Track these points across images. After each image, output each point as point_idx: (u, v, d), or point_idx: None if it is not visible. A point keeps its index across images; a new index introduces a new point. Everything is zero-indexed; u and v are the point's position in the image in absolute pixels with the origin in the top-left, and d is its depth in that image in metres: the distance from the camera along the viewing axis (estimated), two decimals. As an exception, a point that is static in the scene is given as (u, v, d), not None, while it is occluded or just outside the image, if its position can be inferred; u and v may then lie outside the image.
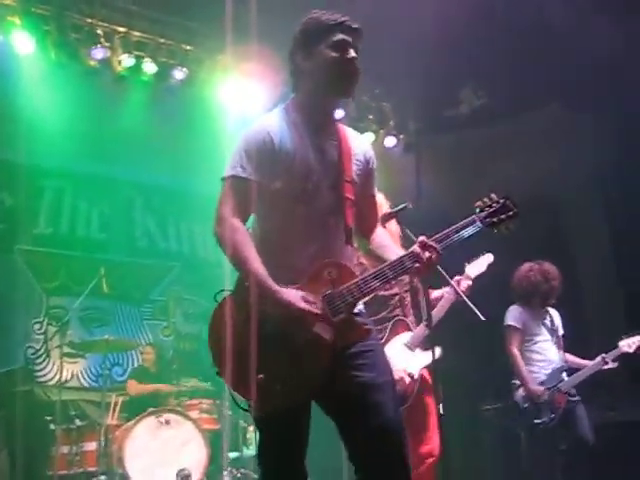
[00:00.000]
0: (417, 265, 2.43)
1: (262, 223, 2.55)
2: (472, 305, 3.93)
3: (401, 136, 8.38)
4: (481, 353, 5.94)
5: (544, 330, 5.38)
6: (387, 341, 4.14)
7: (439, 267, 3.87)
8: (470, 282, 4.30)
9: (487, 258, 4.45)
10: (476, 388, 6.81)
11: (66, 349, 6.31)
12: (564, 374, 5.28)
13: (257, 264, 2.39)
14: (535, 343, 5.34)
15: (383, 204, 3.97)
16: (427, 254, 2.42)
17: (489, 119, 7.64)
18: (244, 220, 2.50)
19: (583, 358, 5.43)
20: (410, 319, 4.32)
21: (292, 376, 2.33)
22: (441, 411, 3.82)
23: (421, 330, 4.21)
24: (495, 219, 2.53)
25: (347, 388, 2.40)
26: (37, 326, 7.33)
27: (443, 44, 6.46)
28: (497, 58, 6.69)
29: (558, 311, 5.55)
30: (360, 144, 2.69)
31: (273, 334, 2.33)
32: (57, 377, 6.38)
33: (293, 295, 2.36)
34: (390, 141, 8.31)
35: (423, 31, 6.34)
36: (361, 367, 2.41)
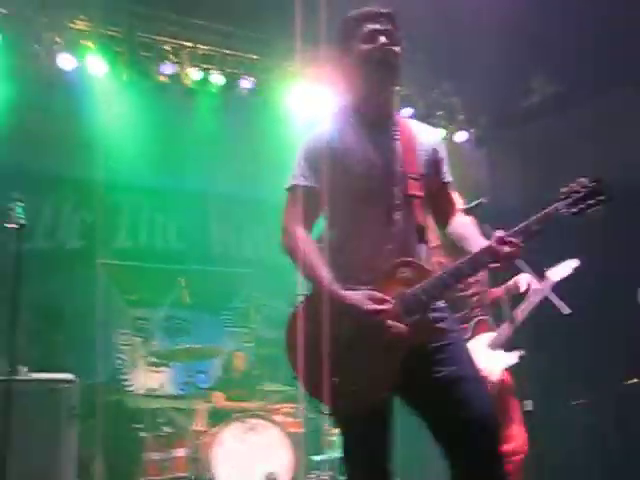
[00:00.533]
0: (495, 261, 2.36)
1: (331, 229, 2.56)
2: (557, 299, 3.86)
3: (472, 130, 8.29)
4: (565, 349, 5.82)
5: None
6: (469, 341, 4.11)
7: (524, 264, 3.86)
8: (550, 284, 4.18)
9: (572, 262, 4.30)
10: (564, 384, 6.67)
11: (151, 359, 6.47)
12: None
13: (322, 271, 2.42)
14: None
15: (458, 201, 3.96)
16: (506, 249, 2.33)
17: (562, 107, 7.47)
18: (309, 228, 2.53)
19: None
20: (490, 319, 4.28)
21: (367, 377, 2.33)
22: (530, 407, 3.80)
23: (504, 331, 4.16)
24: (582, 205, 2.35)
25: (428, 384, 2.39)
26: (124, 337, 7.55)
27: (510, 33, 6.37)
28: (566, 43, 6.54)
29: None
30: (426, 135, 2.66)
31: (346, 337, 2.34)
32: (145, 386, 6.56)
33: (359, 297, 2.36)
34: (461, 136, 8.23)
35: (489, 21, 6.27)
36: (441, 362, 2.39)
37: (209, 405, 6.34)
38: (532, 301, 4.13)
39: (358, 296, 2.36)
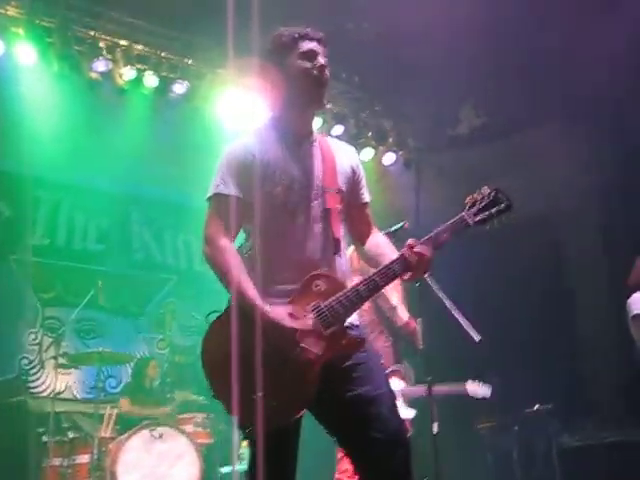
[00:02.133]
0: (407, 269, 2.42)
1: (250, 239, 2.57)
2: (468, 326, 3.97)
3: (400, 153, 8.42)
4: (471, 372, 5.97)
5: None
6: None
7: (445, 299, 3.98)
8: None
9: (486, 393, 4.84)
10: (469, 407, 6.83)
11: (60, 360, 6.30)
12: None
13: (245, 283, 2.40)
14: None
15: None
16: (416, 258, 2.40)
17: (488, 138, 7.69)
18: (233, 237, 2.52)
19: None
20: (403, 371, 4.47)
21: (285, 393, 2.32)
22: (435, 430, 3.91)
23: (415, 390, 4.35)
24: (486, 214, 2.51)
25: (342, 402, 2.40)
26: (32, 337, 7.31)
27: (443, 62, 6.52)
28: (496, 77, 6.74)
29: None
30: (344, 153, 2.71)
31: (264, 352, 2.31)
32: (51, 388, 6.37)
33: (280, 313, 2.37)
34: (389, 158, 8.35)
35: (423, 49, 6.41)
36: (354, 380, 2.41)
37: (117, 411, 6.19)
38: (450, 391, 4.56)
39: (279, 311, 2.38)
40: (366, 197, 2.73)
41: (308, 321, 2.37)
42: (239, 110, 7.05)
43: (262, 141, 2.59)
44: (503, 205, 2.52)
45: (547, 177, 7.12)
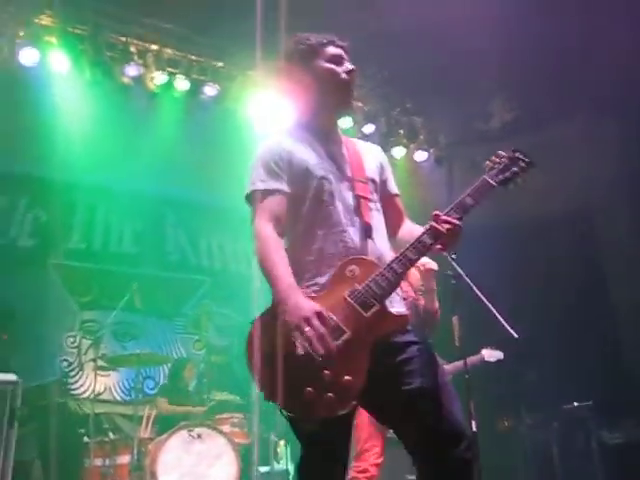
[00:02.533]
0: (437, 240, 2.41)
1: (289, 232, 2.58)
2: (506, 325, 3.95)
3: (431, 150, 8.38)
4: (507, 370, 5.96)
5: None
6: None
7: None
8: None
9: (499, 355, 5.13)
10: (507, 404, 6.78)
11: (99, 362, 6.38)
12: None
13: (283, 269, 2.39)
14: None
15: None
16: (446, 226, 2.40)
17: (520, 131, 7.60)
18: (278, 228, 2.50)
19: None
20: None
21: (337, 382, 2.28)
22: (473, 428, 3.88)
23: (450, 368, 4.32)
24: (508, 174, 2.54)
25: (400, 396, 2.37)
26: (71, 340, 7.42)
27: (473, 57, 6.47)
28: (527, 70, 6.67)
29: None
30: (370, 151, 2.79)
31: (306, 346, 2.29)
32: (90, 390, 6.45)
33: (307, 310, 2.29)
34: (421, 155, 8.32)
35: (452, 44, 6.37)
36: (410, 374, 2.37)
37: (156, 412, 6.25)
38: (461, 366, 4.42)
39: (308, 308, 2.30)
40: (394, 189, 2.79)
41: (347, 307, 2.36)
42: (269, 112, 7.08)
43: (294, 139, 2.65)
44: (523, 163, 2.56)
45: (578, 170, 7.03)
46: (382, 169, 2.75)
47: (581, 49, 6.28)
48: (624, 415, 6.29)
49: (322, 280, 2.46)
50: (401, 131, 8.19)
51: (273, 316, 2.38)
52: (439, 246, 2.43)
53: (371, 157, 2.74)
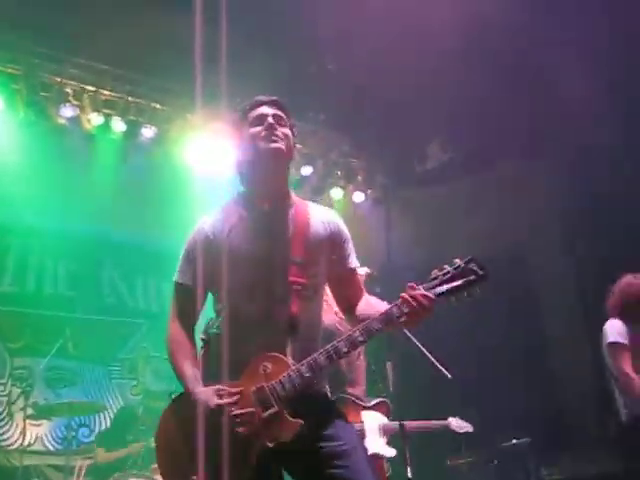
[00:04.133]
0: (406, 315, 2.32)
1: (215, 318, 2.60)
2: (438, 364, 3.99)
3: (369, 191, 8.46)
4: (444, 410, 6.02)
5: None
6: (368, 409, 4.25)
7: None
8: None
9: (469, 428, 4.86)
10: (444, 443, 6.79)
11: (30, 411, 6.13)
12: None
13: (183, 368, 2.48)
14: None
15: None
16: (416, 302, 2.30)
17: (457, 173, 7.76)
18: (189, 323, 2.58)
19: None
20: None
21: (227, 474, 2.27)
22: (409, 475, 3.90)
23: (395, 427, 4.31)
24: (450, 287, 2.32)
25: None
26: (0, 388, 7.13)
27: (410, 99, 6.60)
28: (463, 112, 6.83)
29: None
30: (323, 220, 2.62)
31: (206, 435, 2.28)
32: (20, 441, 6.18)
33: (207, 392, 2.38)
34: (358, 196, 8.39)
35: (390, 86, 6.48)
36: (335, 458, 2.36)
37: (88, 462, 6.02)
38: (427, 426, 4.54)
39: (207, 391, 2.39)
40: (353, 263, 2.63)
41: (247, 402, 2.36)
42: (209, 155, 7.05)
43: (225, 218, 2.57)
44: (474, 276, 2.32)
45: (517, 211, 7.19)
46: (334, 243, 2.60)
47: (511, 94, 6.46)
48: (560, 451, 6.36)
49: (238, 372, 2.43)
50: (339, 172, 8.25)
51: (176, 405, 2.50)
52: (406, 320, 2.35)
53: (322, 229, 2.58)
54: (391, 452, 4.32)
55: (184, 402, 2.44)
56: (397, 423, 4.26)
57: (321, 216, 2.64)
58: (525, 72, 6.30)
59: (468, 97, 6.53)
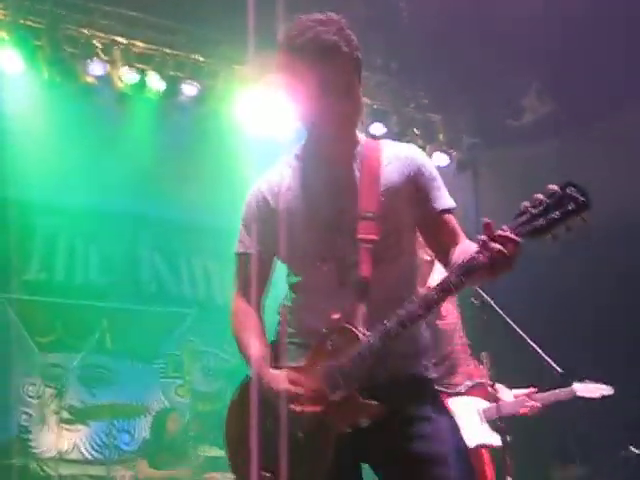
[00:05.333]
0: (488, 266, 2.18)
1: (289, 281, 2.65)
2: (548, 358, 3.96)
3: (453, 152, 8.38)
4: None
5: None
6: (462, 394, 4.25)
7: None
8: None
9: (606, 389, 4.66)
10: (547, 456, 6.75)
11: (65, 415, 6.35)
12: None
13: (249, 348, 2.56)
14: None
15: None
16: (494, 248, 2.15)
17: (558, 129, 7.61)
18: (254, 296, 2.63)
19: None
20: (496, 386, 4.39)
21: (301, 464, 2.37)
22: None
23: (504, 407, 4.29)
24: (543, 222, 2.14)
25: (400, 463, 2.39)
26: (31, 388, 7.38)
27: (498, 41, 6.49)
28: (564, 57, 6.69)
29: None
30: (398, 158, 2.59)
31: (276, 424, 2.37)
32: (55, 448, 6.40)
33: (276, 378, 2.44)
34: (440, 159, 8.31)
35: (476, 31, 6.39)
36: (417, 437, 2.39)
37: (132, 473, 6.21)
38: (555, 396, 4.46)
39: (276, 376, 2.45)
40: (441, 204, 2.56)
41: (315, 384, 2.40)
42: (263, 113, 7.06)
43: (282, 176, 2.62)
44: (574, 204, 2.15)
45: (632, 173, 7.02)
46: (416, 184, 2.54)
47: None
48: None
49: (305, 345, 2.51)
50: (416, 130, 8.20)
51: (244, 390, 2.56)
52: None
53: (398, 170, 2.55)
54: (496, 440, 4.27)
55: (253, 387, 2.49)
56: (506, 404, 4.25)
57: (396, 154, 2.61)
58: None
59: (571, 35, 6.39)
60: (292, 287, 2.62)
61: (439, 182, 2.60)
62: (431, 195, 2.56)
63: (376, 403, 2.36)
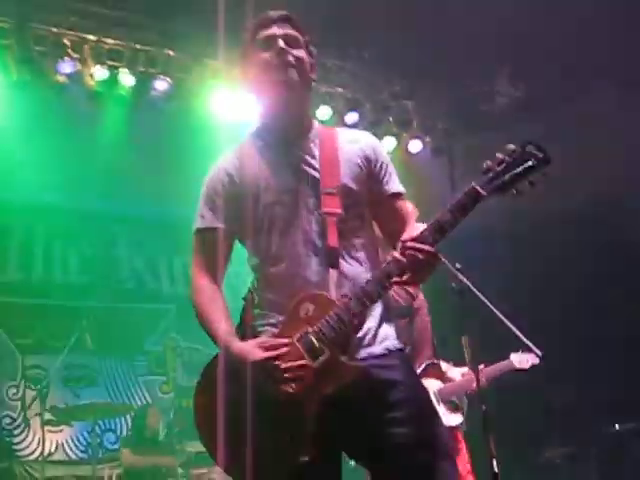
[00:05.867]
0: (404, 271, 2.33)
1: (251, 263, 2.65)
2: (527, 340, 3.97)
3: (427, 138, 8.40)
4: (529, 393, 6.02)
5: None
6: None
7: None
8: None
9: (533, 358, 4.70)
10: (534, 436, 6.80)
11: (48, 416, 6.32)
12: None
13: (218, 323, 2.52)
14: None
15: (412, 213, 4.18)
16: (412, 254, 2.31)
17: (531, 112, 7.64)
18: (217, 274, 2.63)
19: None
20: (447, 365, 4.40)
21: (282, 436, 2.34)
22: (495, 469, 3.89)
23: (459, 387, 4.29)
24: (507, 177, 2.31)
25: (383, 447, 2.38)
26: (13, 391, 7.35)
27: (469, 25, 6.50)
28: (535, 39, 6.71)
29: None
30: (354, 142, 2.69)
31: (252, 399, 2.35)
32: (39, 450, 6.39)
33: (247, 346, 2.42)
34: (415, 145, 8.33)
35: (447, 15, 6.39)
36: (398, 421, 2.38)
37: (118, 471, 6.20)
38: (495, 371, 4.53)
39: (247, 346, 2.42)
40: (392, 187, 2.67)
41: (284, 351, 2.38)
42: (236, 107, 7.02)
43: (243, 154, 2.66)
44: (534, 160, 2.32)
45: (603, 156, 7.07)
46: (370, 164, 2.65)
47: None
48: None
49: (277, 320, 2.50)
50: (390, 118, 8.20)
51: (214, 366, 2.52)
52: (407, 278, 2.35)
53: (354, 152, 2.65)
54: (456, 419, 4.35)
55: (222, 362, 2.46)
56: (458, 383, 4.28)
57: (351, 138, 2.71)
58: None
59: (541, 18, 6.42)
60: (255, 267, 2.62)
61: (391, 168, 2.70)
62: (383, 179, 2.67)
63: (359, 364, 2.39)
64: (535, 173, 2.32)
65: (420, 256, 2.30)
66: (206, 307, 2.59)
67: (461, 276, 4.02)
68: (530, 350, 4.51)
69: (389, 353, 2.50)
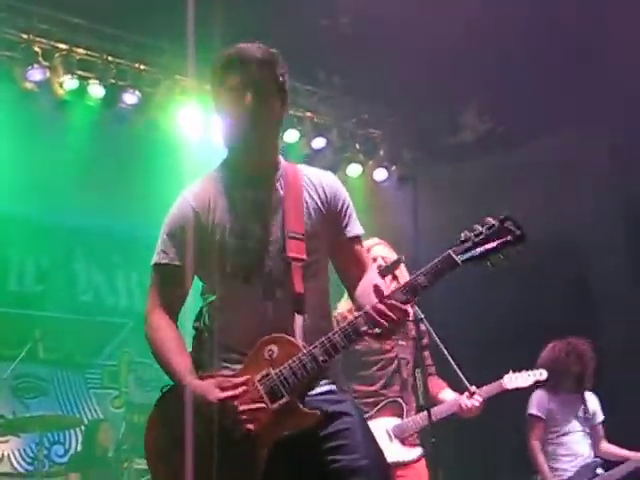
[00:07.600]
0: (375, 329, 2.35)
1: (207, 304, 2.63)
2: (463, 377, 4.01)
3: (393, 168, 8.44)
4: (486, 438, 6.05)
5: (573, 420, 5.51)
6: (370, 419, 4.15)
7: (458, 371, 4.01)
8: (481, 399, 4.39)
9: (539, 374, 4.68)
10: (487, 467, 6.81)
11: (-6, 427, 6.21)
12: (599, 469, 5.35)
13: (174, 361, 2.49)
14: (562, 435, 5.48)
15: (382, 252, 4.24)
16: (385, 314, 2.33)
17: (496, 147, 7.72)
18: (174, 311, 2.62)
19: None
20: (408, 405, 4.39)
21: (233, 476, 2.35)
22: None
23: (413, 423, 4.29)
24: (482, 250, 2.38)
25: (323, 476, 2.39)
26: (-41, 400, 7.21)
27: (441, 61, 6.56)
28: (503, 77, 6.79)
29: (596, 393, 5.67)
30: (317, 184, 2.67)
31: (205, 436, 2.34)
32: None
33: (206, 385, 2.40)
34: (380, 174, 8.37)
35: (418, 47, 6.45)
36: (337, 450, 2.39)
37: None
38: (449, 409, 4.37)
39: (206, 385, 2.40)
40: (352, 231, 2.68)
41: (253, 393, 2.39)
42: (204, 125, 7.02)
43: (210, 191, 2.61)
44: (510, 236, 2.39)
45: (563, 193, 7.16)
46: (332, 208, 2.65)
47: (568, 51, 6.42)
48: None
49: (237, 363, 2.49)
50: (357, 145, 8.24)
51: (171, 400, 2.50)
52: (378, 333, 2.37)
53: (317, 195, 2.64)
54: (412, 453, 4.28)
55: (177, 398, 2.43)
56: (419, 418, 4.23)
57: (315, 180, 2.69)
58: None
59: (511, 53, 6.50)
60: (210, 305, 2.60)
61: (352, 210, 2.71)
62: (344, 222, 2.68)
63: (316, 412, 2.40)
64: (510, 249, 2.39)
65: (393, 316, 2.33)
66: (160, 344, 2.55)
67: (424, 324, 4.01)
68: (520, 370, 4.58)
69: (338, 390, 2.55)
